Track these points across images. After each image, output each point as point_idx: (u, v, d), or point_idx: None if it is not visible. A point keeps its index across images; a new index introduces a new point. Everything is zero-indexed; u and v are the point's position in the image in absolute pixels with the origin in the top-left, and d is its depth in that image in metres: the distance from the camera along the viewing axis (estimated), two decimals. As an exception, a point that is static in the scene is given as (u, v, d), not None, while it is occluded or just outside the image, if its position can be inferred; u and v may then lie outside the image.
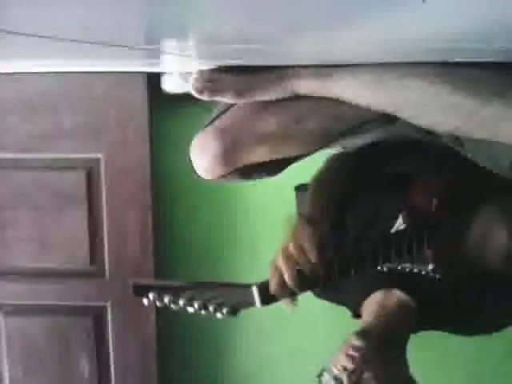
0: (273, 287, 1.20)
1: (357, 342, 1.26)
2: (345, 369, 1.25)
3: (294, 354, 2.20)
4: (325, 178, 1.41)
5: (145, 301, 1.24)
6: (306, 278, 1.21)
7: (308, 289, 1.27)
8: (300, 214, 1.32)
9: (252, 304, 1.21)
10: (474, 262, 1.31)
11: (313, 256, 1.21)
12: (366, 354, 1.25)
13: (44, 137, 2.00)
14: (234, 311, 1.19)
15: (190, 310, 1.21)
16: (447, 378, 2.18)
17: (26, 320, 2.12)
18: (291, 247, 1.21)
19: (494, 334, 1.48)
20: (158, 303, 1.24)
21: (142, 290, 1.25)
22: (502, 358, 2.15)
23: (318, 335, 2.16)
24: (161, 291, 1.23)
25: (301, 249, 1.21)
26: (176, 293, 1.22)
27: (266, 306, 1.22)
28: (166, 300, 1.22)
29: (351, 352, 1.25)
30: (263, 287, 1.21)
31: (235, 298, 1.21)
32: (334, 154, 1.45)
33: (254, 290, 1.21)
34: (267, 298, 1.21)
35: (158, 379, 2.13)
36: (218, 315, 1.20)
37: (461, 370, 2.18)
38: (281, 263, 1.21)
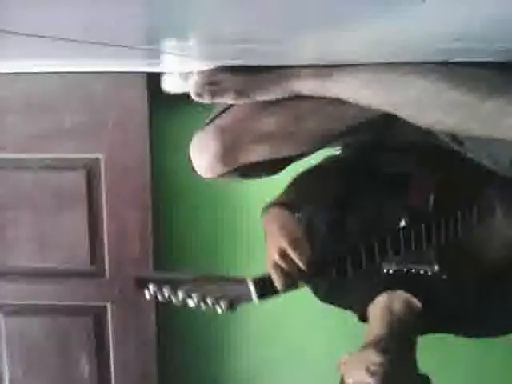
0: (280, 287, 1.21)
1: (377, 358, 1.26)
2: None
3: (294, 355, 2.20)
4: (310, 173, 1.42)
5: (146, 293, 1.25)
6: (304, 274, 1.23)
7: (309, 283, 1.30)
8: (279, 203, 1.32)
9: (249, 298, 1.22)
10: (477, 258, 1.31)
11: (307, 253, 1.22)
12: (388, 368, 1.25)
13: (44, 137, 2.00)
14: (232, 305, 1.20)
15: (190, 302, 1.22)
16: (448, 378, 2.18)
17: (26, 320, 2.12)
18: (284, 243, 1.22)
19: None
20: (158, 296, 1.25)
21: (142, 283, 1.26)
22: (503, 358, 2.15)
23: (318, 335, 2.16)
24: (161, 284, 1.24)
25: (295, 246, 1.22)
26: (176, 285, 1.23)
27: (263, 301, 1.23)
28: (166, 293, 1.23)
29: (374, 368, 1.25)
30: (260, 282, 1.22)
31: (233, 293, 1.22)
32: (328, 156, 1.46)
33: (251, 285, 1.21)
34: (264, 292, 1.22)
35: (158, 379, 2.13)
36: (217, 309, 1.21)
37: (462, 370, 2.18)
38: (281, 262, 1.21)
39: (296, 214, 1.31)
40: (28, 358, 2.13)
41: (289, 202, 1.31)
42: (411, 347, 1.35)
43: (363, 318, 1.43)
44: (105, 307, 2.09)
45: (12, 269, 2.08)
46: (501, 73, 1.06)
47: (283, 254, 1.22)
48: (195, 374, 2.27)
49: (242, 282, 1.23)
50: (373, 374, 1.25)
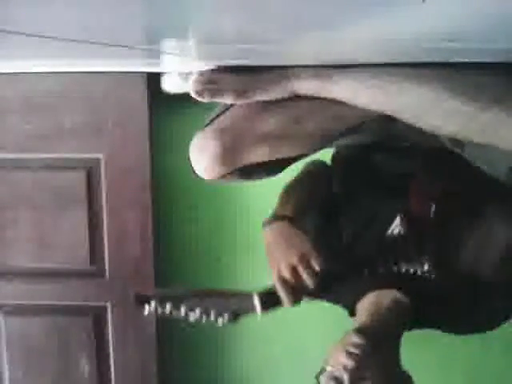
0: (287, 303, 1.22)
1: (356, 339, 1.26)
2: (345, 367, 1.25)
3: (294, 355, 2.20)
4: (300, 181, 1.43)
5: (146, 309, 1.26)
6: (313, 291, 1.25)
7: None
8: (282, 216, 1.33)
9: (253, 311, 1.23)
10: (468, 270, 1.32)
11: (316, 270, 1.23)
12: (366, 350, 1.26)
13: (44, 137, 2.00)
14: (234, 318, 1.21)
15: (192, 317, 1.23)
16: (447, 377, 2.18)
17: (26, 320, 2.12)
18: (295, 260, 1.23)
19: (495, 334, 1.48)
20: (159, 311, 1.25)
21: (143, 299, 1.26)
22: (502, 358, 2.15)
23: (318, 335, 2.16)
24: (162, 300, 1.24)
25: (305, 263, 1.23)
26: (177, 301, 1.24)
27: (266, 314, 1.24)
28: (168, 308, 1.24)
29: (351, 349, 1.25)
30: (264, 295, 1.23)
31: (236, 306, 1.23)
32: (312, 161, 1.46)
33: (255, 298, 1.22)
34: (268, 305, 1.23)
35: (157, 379, 2.13)
36: (219, 322, 1.21)
37: (461, 370, 2.18)
38: (291, 279, 1.22)
39: (301, 227, 1.31)
40: (28, 358, 2.13)
41: (291, 214, 1.32)
42: (395, 341, 1.36)
43: (353, 313, 1.44)
44: (105, 307, 2.09)
45: (12, 269, 2.08)
46: (501, 79, 1.06)
47: (293, 271, 1.23)
48: (195, 373, 2.27)
49: (246, 295, 1.24)
50: (350, 354, 1.25)
